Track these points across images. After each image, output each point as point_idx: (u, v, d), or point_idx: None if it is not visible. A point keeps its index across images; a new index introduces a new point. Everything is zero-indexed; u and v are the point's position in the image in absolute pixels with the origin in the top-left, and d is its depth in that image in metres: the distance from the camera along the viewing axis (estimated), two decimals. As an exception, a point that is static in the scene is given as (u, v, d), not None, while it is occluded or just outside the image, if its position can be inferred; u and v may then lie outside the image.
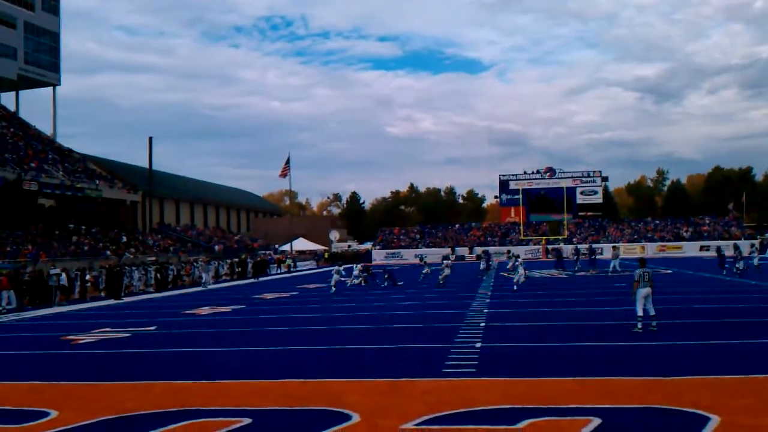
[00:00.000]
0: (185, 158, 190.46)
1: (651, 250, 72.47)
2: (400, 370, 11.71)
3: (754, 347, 12.98)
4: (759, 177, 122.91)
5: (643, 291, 15.47)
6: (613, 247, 46.65)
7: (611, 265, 37.00)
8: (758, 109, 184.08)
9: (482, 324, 17.54)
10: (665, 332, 15.09)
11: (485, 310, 20.89)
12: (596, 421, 8.06)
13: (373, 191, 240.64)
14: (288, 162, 69.98)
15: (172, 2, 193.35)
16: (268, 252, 72.03)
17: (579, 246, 53.96)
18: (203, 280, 38.73)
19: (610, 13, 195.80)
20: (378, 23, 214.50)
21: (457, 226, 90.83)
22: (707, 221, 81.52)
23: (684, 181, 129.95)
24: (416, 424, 8.25)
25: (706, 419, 8.01)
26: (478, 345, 14.06)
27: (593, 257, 45.05)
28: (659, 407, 8.69)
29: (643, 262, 16.50)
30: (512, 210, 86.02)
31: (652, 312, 15.48)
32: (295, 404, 9.54)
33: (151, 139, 67.84)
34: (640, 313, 15.45)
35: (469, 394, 9.73)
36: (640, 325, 15.35)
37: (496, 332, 16.07)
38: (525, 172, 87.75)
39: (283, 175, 69.99)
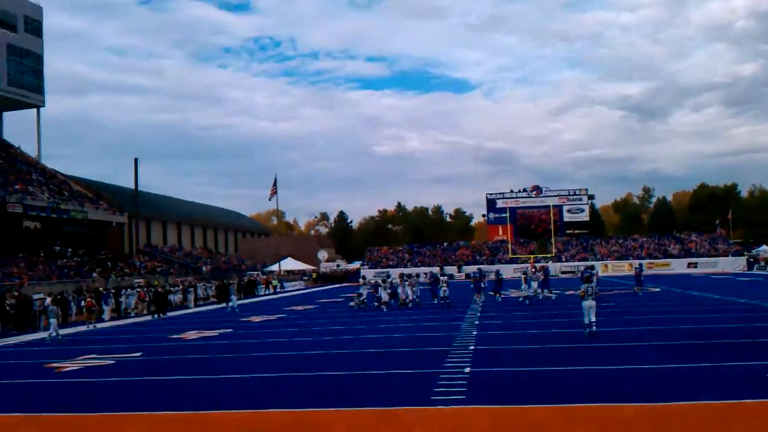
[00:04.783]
0: (173, 178, 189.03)
1: (639, 267, 72.37)
2: (386, 399, 11.51)
3: (740, 370, 12.86)
4: (744, 193, 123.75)
5: (587, 303, 18.30)
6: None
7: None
8: (741, 126, 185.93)
9: (471, 347, 17.38)
10: (646, 354, 15.00)
11: (475, 332, 20.74)
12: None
13: (360, 210, 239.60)
14: (275, 183, 69.74)
15: (161, 23, 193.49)
16: (254, 272, 71.58)
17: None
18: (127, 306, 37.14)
19: (594, 34, 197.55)
20: (366, 44, 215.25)
21: (445, 244, 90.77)
22: (694, 238, 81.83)
23: (670, 198, 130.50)
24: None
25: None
26: (467, 370, 13.89)
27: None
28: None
29: (587, 278, 19.22)
30: (500, 228, 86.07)
31: (594, 320, 18.32)
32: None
33: (136, 159, 67.61)
34: (586, 321, 18.36)
35: (459, 423, 9.56)
36: (587, 332, 18.24)
37: (485, 356, 15.90)
38: (512, 191, 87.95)
39: (272, 195, 69.69)
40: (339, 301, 41.23)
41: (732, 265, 71.51)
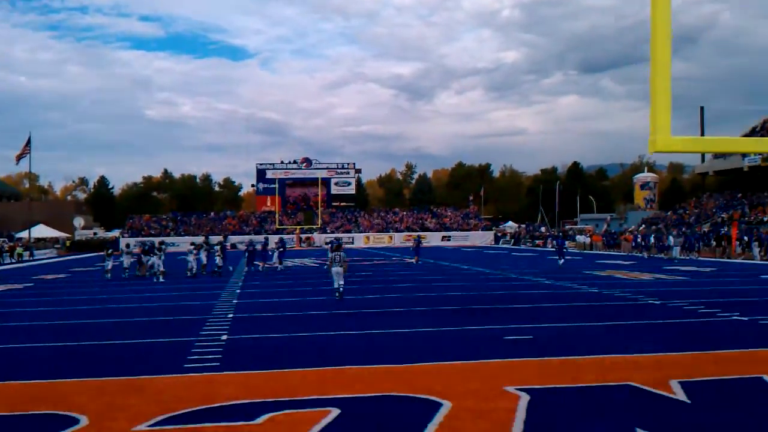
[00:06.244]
0: None
1: (398, 239, 75.81)
2: (136, 368, 11.12)
3: (482, 333, 13.91)
4: (496, 173, 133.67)
5: (335, 269, 20.14)
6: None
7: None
8: (500, 110, 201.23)
9: (230, 315, 17.25)
10: (398, 319, 15.79)
11: (235, 301, 20.62)
12: (335, 412, 8.13)
13: (125, 176, 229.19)
14: (28, 143, 64.43)
15: None
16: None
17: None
18: None
19: (371, 12, 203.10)
20: (140, 2, 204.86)
21: (212, 214, 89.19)
22: (449, 213, 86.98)
23: (430, 175, 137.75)
24: (150, 425, 7.82)
25: (439, 405, 8.37)
26: (224, 337, 13.77)
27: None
28: (395, 395, 8.97)
29: (338, 247, 21.79)
30: (268, 199, 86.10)
31: (341, 287, 20.13)
32: (16, 409, 8.65)
33: None
34: (335, 285, 20.12)
35: (209, 390, 9.44)
36: (337, 294, 20.00)
37: (243, 323, 15.86)
38: (282, 162, 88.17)
39: (21, 157, 64.28)
40: (94, 270, 39.15)
41: (481, 239, 77.10)
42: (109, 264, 32.07)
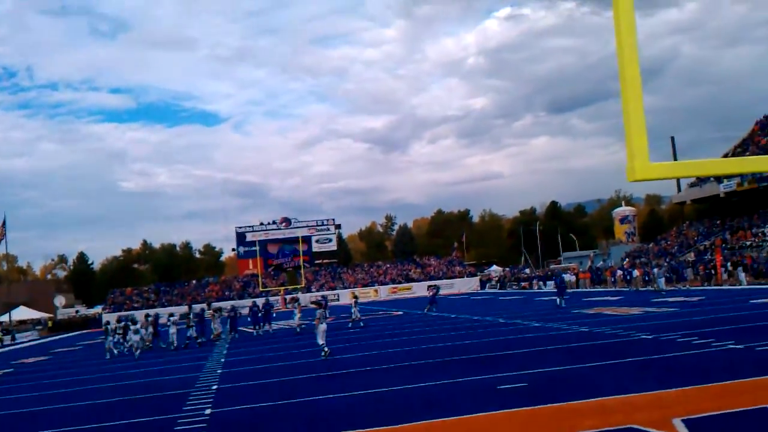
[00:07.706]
0: None
1: (384, 292, 75.23)
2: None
3: (475, 384, 13.48)
4: (476, 218, 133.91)
5: (321, 327, 20.50)
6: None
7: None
8: (472, 156, 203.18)
9: (214, 387, 16.70)
10: (389, 376, 15.33)
11: (219, 370, 20.04)
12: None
13: (104, 250, 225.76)
14: (3, 225, 63.64)
15: None
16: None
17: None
18: None
19: (340, 68, 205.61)
20: (110, 75, 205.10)
21: (194, 282, 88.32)
22: (433, 261, 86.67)
23: (411, 224, 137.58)
24: None
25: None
26: (208, 411, 13.24)
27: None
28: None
29: (320, 305, 22.52)
30: (250, 262, 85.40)
31: (324, 342, 20.38)
32: None
33: None
34: (320, 342, 20.37)
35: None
36: (323, 353, 20.03)
37: (228, 394, 15.31)
38: (261, 223, 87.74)
39: (-1, 239, 63.43)
40: (77, 350, 38.30)
41: (467, 285, 76.66)
42: (111, 341, 30.51)
